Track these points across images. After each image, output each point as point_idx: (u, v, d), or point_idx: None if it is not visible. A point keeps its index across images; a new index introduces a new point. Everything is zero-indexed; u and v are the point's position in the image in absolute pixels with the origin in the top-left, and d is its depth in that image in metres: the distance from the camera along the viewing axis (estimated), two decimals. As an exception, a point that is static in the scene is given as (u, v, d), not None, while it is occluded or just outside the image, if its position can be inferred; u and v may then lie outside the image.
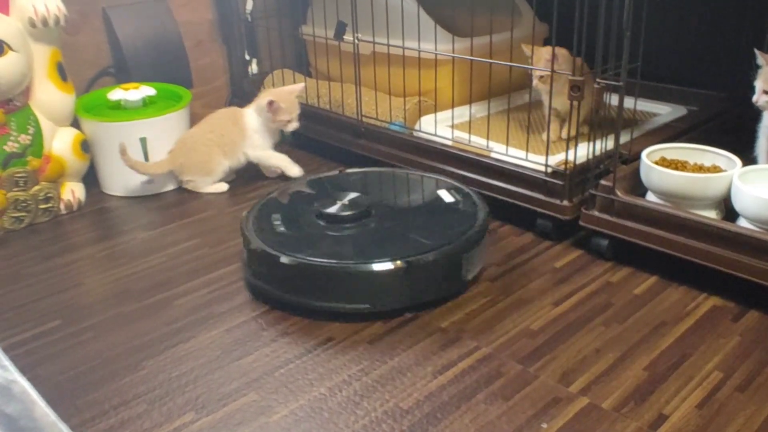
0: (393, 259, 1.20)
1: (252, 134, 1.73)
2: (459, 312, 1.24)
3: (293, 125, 1.73)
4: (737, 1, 1.74)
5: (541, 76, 1.52)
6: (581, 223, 1.39)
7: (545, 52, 1.48)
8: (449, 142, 1.62)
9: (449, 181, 1.49)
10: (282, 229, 1.32)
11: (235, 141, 1.73)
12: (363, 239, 1.29)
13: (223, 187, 1.76)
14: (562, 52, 1.44)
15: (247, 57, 2.15)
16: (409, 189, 1.51)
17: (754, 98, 1.33)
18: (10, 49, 1.49)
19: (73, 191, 1.66)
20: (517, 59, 1.54)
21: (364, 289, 1.22)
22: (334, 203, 1.37)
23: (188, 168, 1.72)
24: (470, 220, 1.32)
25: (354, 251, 1.25)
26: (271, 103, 1.69)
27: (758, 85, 1.32)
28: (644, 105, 1.80)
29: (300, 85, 1.76)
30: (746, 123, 1.45)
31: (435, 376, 1.08)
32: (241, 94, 2.10)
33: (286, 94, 1.73)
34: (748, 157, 1.42)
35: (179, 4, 2.03)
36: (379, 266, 1.20)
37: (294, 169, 1.77)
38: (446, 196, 1.38)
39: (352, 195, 1.39)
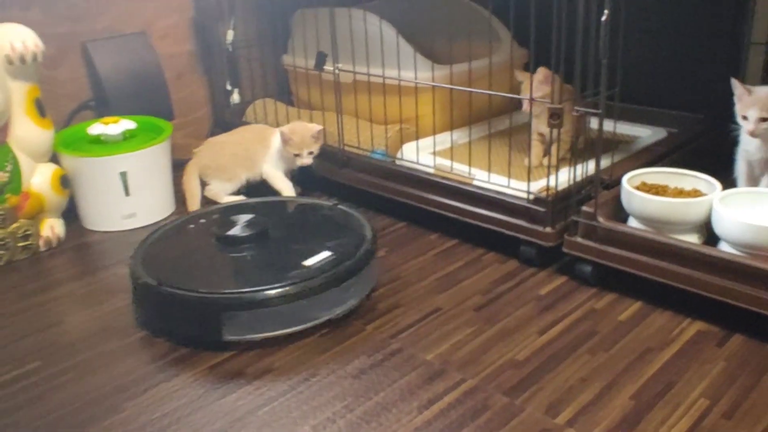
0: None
1: (273, 153, 1.81)
2: (444, 343, 1.23)
3: (302, 161, 1.77)
4: (713, 24, 1.76)
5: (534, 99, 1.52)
6: (564, 249, 1.39)
7: (539, 74, 1.47)
8: (431, 170, 1.62)
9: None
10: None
11: (257, 155, 1.82)
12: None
13: (240, 198, 1.78)
14: (555, 76, 1.45)
15: (229, 87, 2.15)
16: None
17: (750, 128, 1.31)
18: (-13, 86, 1.48)
19: (52, 227, 1.64)
20: (497, 86, 1.55)
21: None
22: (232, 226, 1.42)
23: (211, 171, 1.81)
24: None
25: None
26: (282, 133, 1.76)
27: (752, 114, 1.31)
28: (624, 128, 1.81)
29: (317, 127, 1.78)
30: (724, 145, 1.46)
31: (420, 411, 1.07)
32: (223, 124, 2.09)
33: (301, 129, 1.77)
34: (728, 179, 1.43)
35: (159, 37, 2.03)
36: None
37: (288, 192, 1.82)
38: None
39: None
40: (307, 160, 1.76)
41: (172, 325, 1.29)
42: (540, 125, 1.58)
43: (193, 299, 1.23)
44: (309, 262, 1.30)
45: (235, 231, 1.41)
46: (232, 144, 1.84)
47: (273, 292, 1.23)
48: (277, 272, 1.28)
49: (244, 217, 1.45)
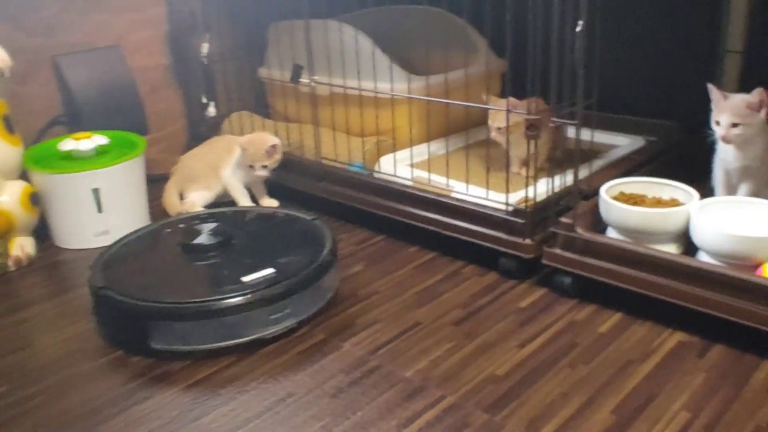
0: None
1: (232, 161, 1.82)
2: (423, 359, 1.21)
3: (255, 173, 1.77)
4: (689, 33, 1.76)
5: (499, 128, 1.52)
6: (544, 261, 1.37)
7: (504, 105, 1.47)
8: (409, 182, 1.60)
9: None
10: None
11: (221, 162, 1.82)
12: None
13: (201, 210, 1.78)
14: (521, 103, 1.44)
15: (205, 100, 2.13)
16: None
17: (722, 134, 1.32)
18: (-46, 103, 1.45)
19: (22, 246, 1.60)
20: (474, 96, 1.54)
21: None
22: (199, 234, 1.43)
23: (188, 183, 1.82)
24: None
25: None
26: (240, 143, 1.78)
27: (724, 120, 1.31)
28: (602, 137, 1.81)
29: (274, 141, 1.78)
30: (702, 153, 1.46)
31: (400, 430, 1.04)
32: (199, 138, 2.06)
33: (258, 141, 1.78)
34: (706, 188, 1.43)
35: (133, 50, 2.00)
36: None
37: (244, 202, 1.84)
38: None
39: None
40: (260, 173, 1.78)
41: (109, 329, 1.33)
42: (517, 150, 1.57)
43: (124, 305, 1.25)
44: (247, 278, 1.29)
45: (200, 239, 1.41)
46: (204, 154, 1.85)
47: (193, 305, 1.23)
48: (212, 286, 1.29)
49: (209, 226, 1.46)
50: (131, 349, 1.27)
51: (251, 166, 1.77)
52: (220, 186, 1.83)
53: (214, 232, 1.43)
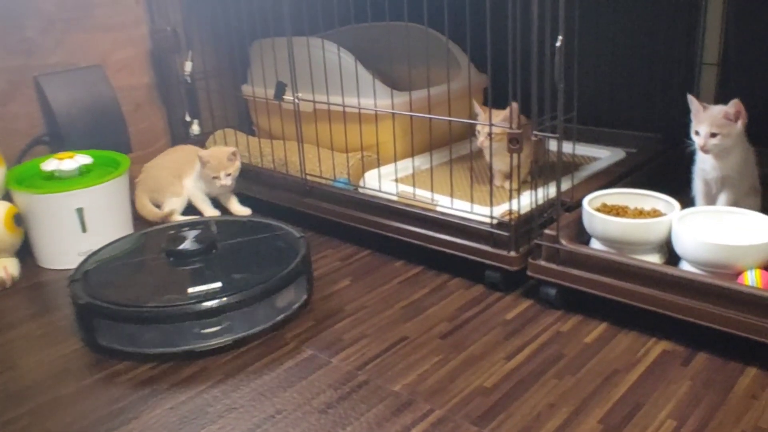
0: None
1: (195, 174, 1.88)
2: (411, 373, 1.21)
3: (221, 182, 1.83)
4: (667, 46, 1.80)
5: (488, 134, 1.53)
6: (528, 273, 1.39)
7: (499, 113, 1.47)
8: (394, 197, 1.61)
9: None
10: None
11: (183, 173, 1.88)
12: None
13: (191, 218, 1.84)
14: (503, 112, 1.46)
15: (188, 118, 2.13)
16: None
17: (701, 143, 1.34)
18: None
19: (5, 267, 1.59)
20: (457, 111, 1.55)
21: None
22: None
23: (157, 193, 1.87)
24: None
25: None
26: (200, 157, 1.83)
27: (702, 130, 1.34)
28: (583, 150, 1.84)
29: (232, 148, 1.85)
30: (682, 164, 1.49)
31: (389, 445, 1.05)
32: (183, 155, 2.07)
33: (218, 153, 1.85)
34: (687, 198, 1.45)
35: (115, 70, 2.00)
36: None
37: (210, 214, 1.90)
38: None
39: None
40: (225, 182, 1.83)
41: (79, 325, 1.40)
42: (499, 163, 1.59)
43: (78, 304, 1.34)
44: (193, 289, 1.33)
45: (184, 245, 1.47)
46: (167, 163, 1.90)
47: (129, 310, 1.30)
48: (162, 293, 1.34)
49: (193, 233, 1.52)
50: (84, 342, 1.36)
51: (215, 177, 1.82)
52: (186, 192, 1.88)
53: (196, 239, 1.48)
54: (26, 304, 1.53)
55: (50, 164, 1.68)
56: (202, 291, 1.33)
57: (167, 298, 1.31)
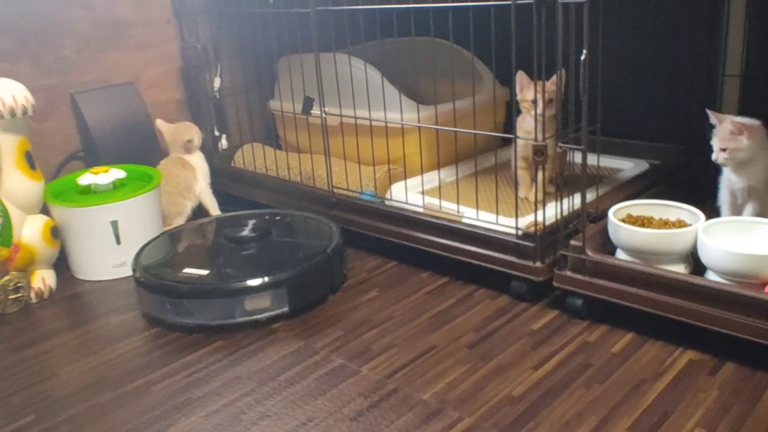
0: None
1: (199, 169, 1.98)
2: (440, 382, 1.23)
3: (196, 142, 1.99)
4: (690, 58, 1.81)
5: (550, 100, 1.48)
6: (555, 283, 1.40)
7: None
8: (420, 209, 1.64)
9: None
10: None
11: (190, 181, 1.95)
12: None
13: None
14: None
15: (217, 133, 2.18)
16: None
17: (714, 157, 1.37)
18: (-22, 141, 1.49)
19: (43, 279, 1.64)
20: (481, 123, 1.58)
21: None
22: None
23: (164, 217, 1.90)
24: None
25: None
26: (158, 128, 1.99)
27: (715, 144, 1.37)
28: (608, 161, 1.85)
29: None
30: (706, 174, 1.50)
31: (419, 452, 1.07)
32: (212, 169, 2.11)
33: (179, 128, 1.98)
34: (711, 209, 1.46)
35: (147, 86, 2.06)
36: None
37: (216, 211, 2.00)
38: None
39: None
40: (197, 141, 1.98)
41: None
42: (525, 148, 1.59)
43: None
44: (186, 270, 1.51)
45: (240, 232, 1.66)
46: (166, 188, 1.91)
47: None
48: (167, 267, 1.55)
49: (251, 223, 1.72)
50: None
51: (189, 141, 1.94)
52: (189, 209, 1.95)
53: (252, 228, 1.67)
54: (63, 315, 1.58)
55: (86, 178, 1.74)
56: (190, 274, 1.49)
57: (162, 273, 1.49)
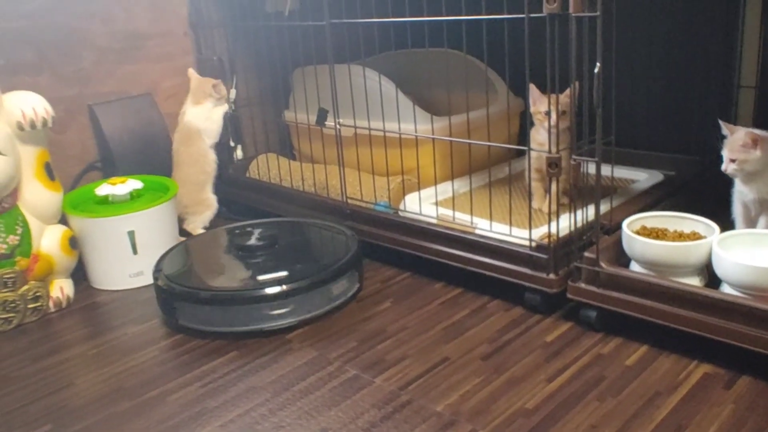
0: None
1: (209, 126, 2.01)
2: (454, 393, 1.24)
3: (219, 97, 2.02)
4: (704, 69, 1.81)
5: (563, 112, 1.51)
6: (568, 295, 1.40)
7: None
8: (434, 220, 1.65)
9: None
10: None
11: (202, 153, 1.98)
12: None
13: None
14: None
15: (232, 144, 2.20)
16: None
17: (723, 167, 1.37)
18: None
19: (62, 288, 1.66)
20: (495, 134, 1.58)
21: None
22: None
23: (190, 208, 1.97)
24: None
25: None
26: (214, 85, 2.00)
27: (725, 154, 1.37)
28: (622, 172, 1.85)
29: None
30: (721, 186, 1.49)
31: (433, 464, 1.07)
32: (228, 179, 2.13)
33: (201, 83, 2.02)
34: (726, 220, 1.46)
35: (164, 97, 2.08)
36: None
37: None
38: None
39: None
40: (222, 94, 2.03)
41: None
42: (538, 160, 1.59)
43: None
44: (209, 277, 1.58)
45: (249, 240, 1.68)
46: (184, 177, 1.95)
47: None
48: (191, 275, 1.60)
49: (258, 230, 1.73)
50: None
51: (215, 85, 1.98)
52: (215, 201, 2.00)
53: (261, 236, 1.69)
54: (81, 324, 1.60)
55: (103, 189, 1.76)
56: (174, 271, 1.56)
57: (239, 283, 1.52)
